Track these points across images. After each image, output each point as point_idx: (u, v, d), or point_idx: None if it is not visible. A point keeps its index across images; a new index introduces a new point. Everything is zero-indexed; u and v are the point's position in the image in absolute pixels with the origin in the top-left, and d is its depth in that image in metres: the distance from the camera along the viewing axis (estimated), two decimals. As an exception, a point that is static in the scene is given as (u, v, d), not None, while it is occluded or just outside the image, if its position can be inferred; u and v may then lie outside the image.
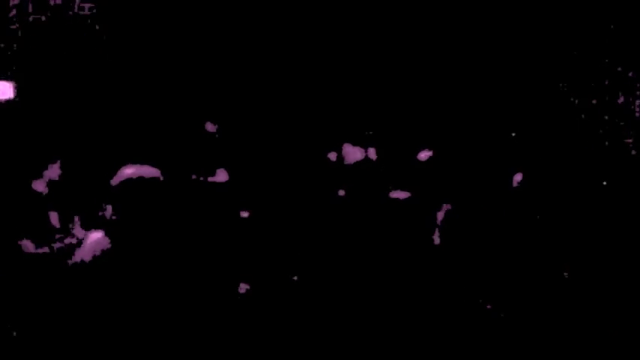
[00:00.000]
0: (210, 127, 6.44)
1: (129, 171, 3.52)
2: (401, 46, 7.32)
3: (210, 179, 6.31)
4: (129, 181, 3.46)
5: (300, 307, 5.25)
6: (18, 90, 6.31)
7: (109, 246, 3.49)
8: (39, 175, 5.50)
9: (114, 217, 3.56)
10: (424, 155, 6.29)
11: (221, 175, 6.38)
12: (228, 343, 4.67)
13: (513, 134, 6.13)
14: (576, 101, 6.15)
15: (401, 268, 5.35)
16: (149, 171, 3.53)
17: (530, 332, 4.57)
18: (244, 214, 6.05)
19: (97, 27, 6.70)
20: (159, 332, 3.61)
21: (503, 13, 6.81)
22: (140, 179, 3.49)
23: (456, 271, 4.85)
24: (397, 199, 6.11)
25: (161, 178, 3.57)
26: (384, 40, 7.38)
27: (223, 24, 7.37)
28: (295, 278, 5.43)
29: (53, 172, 5.57)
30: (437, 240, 5.04)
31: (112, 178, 3.53)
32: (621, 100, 5.96)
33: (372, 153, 6.69)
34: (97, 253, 3.49)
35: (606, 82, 6.04)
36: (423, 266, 5.28)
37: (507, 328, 4.58)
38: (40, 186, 5.48)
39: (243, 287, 5.38)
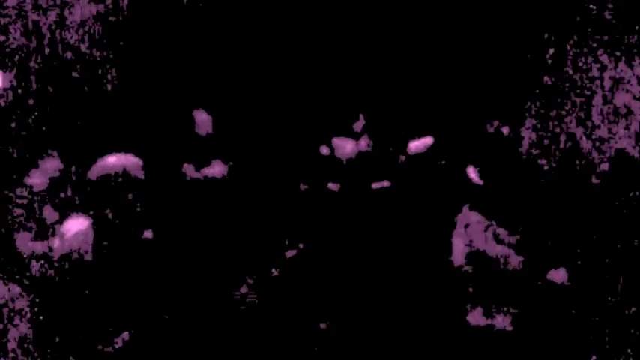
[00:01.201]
0: (202, 117, 6.45)
1: (111, 160, 3.47)
2: (390, 39, 7.32)
3: (204, 172, 6.33)
4: (110, 172, 3.42)
5: (295, 302, 5.27)
6: (8, 79, 6.31)
7: (92, 238, 3.49)
8: (34, 168, 5.51)
9: (96, 209, 3.55)
10: (414, 146, 6.30)
11: (217, 168, 6.39)
12: (223, 340, 4.70)
13: (505, 130, 6.14)
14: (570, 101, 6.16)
15: (395, 263, 5.37)
16: (131, 161, 3.47)
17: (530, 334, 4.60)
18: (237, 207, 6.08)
19: (92, 18, 6.71)
20: (150, 328, 3.63)
21: (497, 10, 6.82)
22: (122, 170, 3.45)
23: (451, 268, 4.88)
24: (389, 192, 6.14)
25: (142, 169, 3.54)
26: (372, 33, 7.37)
27: (215, 18, 7.36)
28: (290, 274, 5.46)
29: (50, 164, 5.58)
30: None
31: (91, 168, 3.53)
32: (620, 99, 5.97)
33: (363, 146, 6.70)
34: (81, 246, 3.50)
35: (603, 80, 6.04)
36: (418, 261, 5.30)
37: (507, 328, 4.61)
38: (35, 180, 5.48)
39: (239, 283, 5.41)
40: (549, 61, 6.09)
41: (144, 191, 4.02)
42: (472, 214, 4.86)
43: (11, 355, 4.20)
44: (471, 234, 4.83)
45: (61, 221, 5.34)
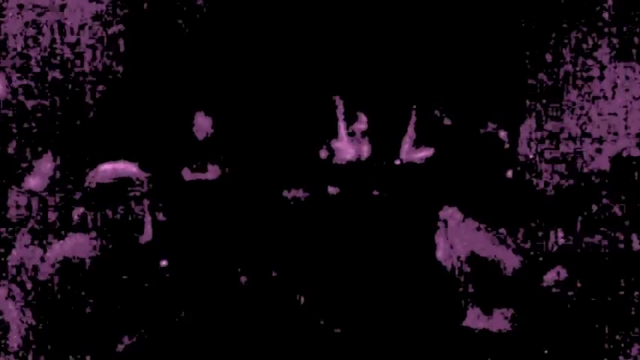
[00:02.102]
0: (203, 121, 6.44)
1: (107, 167, 3.46)
2: (391, 41, 7.32)
3: (200, 176, 6.31)
4: (106, 179, 3.40)
5: (292, 305, 5.26)
6: (8, 86, 6.32)
7: (90, 248, 3.46)
8: (32, 171, 5.50)
9: (91, 219, 3.53)
10: (416, 157, 6.29)
11: (212, 172, 6.37)
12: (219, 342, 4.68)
13: (504, 133, 6.13)
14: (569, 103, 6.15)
15: (394, 268, 5.36)
16: (127, 168, 3.46)
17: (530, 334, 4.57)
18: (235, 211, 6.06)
19: (88, 23, 6.71)
20: (150, 333, 3.61)
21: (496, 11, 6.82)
22: (119, 177, 3.43)
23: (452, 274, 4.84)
24: (389, 198, 6.12)
25: (141, 176, 3.52)
26: (374, 35, 7.37)
27: (215, 22, 7.37)
28: (287, 276, 5.45)
29: (47, 167, 5.57)
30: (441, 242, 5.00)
31: (87, 175, 3.51)
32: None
33: (364, 150, 6.68)
34: (77, 256, 3.47)
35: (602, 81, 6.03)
36: (418, 267, 5.28)
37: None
38: (33, 182, 5.47)
39: (238, 284, 5.39)
40: (549, 61, 6.08)
41: (143, 196, 4.00)
42: (470, 216, 4.85)
43: (9, 358, 4.17)
44: (470, 236, 4.81)
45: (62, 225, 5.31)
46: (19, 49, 6.39)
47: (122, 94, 6.79)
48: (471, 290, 4.66)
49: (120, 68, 6.81)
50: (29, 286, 4.36)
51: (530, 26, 6.32)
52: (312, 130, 6.85)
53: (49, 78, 6.48)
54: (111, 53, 6.77)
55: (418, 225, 5.52)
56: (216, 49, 7.24)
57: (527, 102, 6.21)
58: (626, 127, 5.74)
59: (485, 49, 6.73)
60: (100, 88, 6.71)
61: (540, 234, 4.92)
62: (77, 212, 5.14)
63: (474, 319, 4.59)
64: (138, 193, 3.60)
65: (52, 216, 5.34)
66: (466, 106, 6.62)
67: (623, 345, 4.51)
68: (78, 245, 3.62)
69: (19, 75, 6.38)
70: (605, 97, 5.87)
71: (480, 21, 6.78)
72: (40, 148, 5.70)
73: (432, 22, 7.07)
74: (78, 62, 6.56)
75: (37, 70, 6.44)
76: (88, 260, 3.57)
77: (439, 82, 6.92)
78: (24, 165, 5.67)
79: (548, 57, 6.14)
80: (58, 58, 6.49)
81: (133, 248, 3.72)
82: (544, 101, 6.12)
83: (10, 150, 6.03)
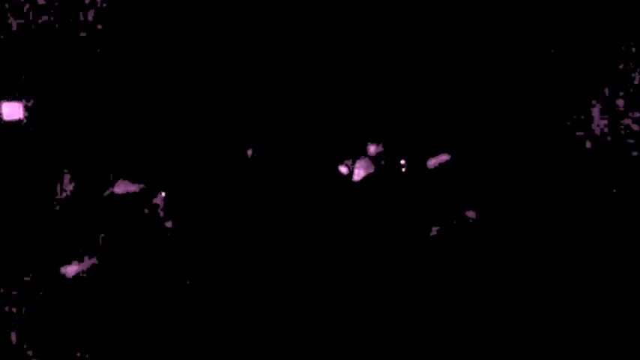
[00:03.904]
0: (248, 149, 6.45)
1: (120, 186, 3.54)
2: (408, 49, 7.36)
3: (209, 185, 6.36)
4: (118, 198, 3.48)
5: (298, 302, 5.29)
6: (27, 110, 6.42)
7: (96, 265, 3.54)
8: (52, 192, 5.60)
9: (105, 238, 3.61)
10: (432, 164, 6.31)
11: (220, 181, 6.42)
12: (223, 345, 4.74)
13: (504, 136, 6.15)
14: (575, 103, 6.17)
15: (406, 273, 5.40)
16: (137, 186, 3.54)
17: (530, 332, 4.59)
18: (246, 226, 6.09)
19: (105, 46, 6.81)
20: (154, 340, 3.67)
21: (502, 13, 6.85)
22: (128, 195, 3.51)
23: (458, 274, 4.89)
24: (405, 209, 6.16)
25: (154, 192, 3.61)
26: (391, 44, 7.42)
27: (217, 25, 7.44)
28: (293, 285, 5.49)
29: (66, 186, 5.66)
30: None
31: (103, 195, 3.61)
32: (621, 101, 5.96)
33: (380, 164, 6.70)
34: (90, 268, 3.56)
35: (607, 85, 6.05)
36: (419, 262, 5.32)
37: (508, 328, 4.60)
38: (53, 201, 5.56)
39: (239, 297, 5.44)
40: (554, 63, 6.10)
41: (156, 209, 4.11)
42: (472, 214, 4.91)
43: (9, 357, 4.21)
44: (471, 234, 4.87)
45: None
46: (36, 73, 6.50)
47: (124, 102, 6.86)
48: (471, 288, 4.71)
49: (123, 78, 6.89)
50: (36, 293, 4.43)
51: (534, 26, 6.35)
52: (331, 145, 6.88)
53: (63, 102, 6.58)
54: (113, 55, 6.85)
55: (418, 227, 5.57)
56: (225, 57, 7.31)
57: (529, 104, 6.25)
58: (626, 128, 5.76)
59: (489, 49, 6.77)
60: (102, 95, 6.78)
61: (542, 233, 4.96)
62: (90, 226, 5.24)
63: (474, 314, 4.62)
64: (151, 208, 3.70)
65: (66, 231, 5.44)
66: (472, 109, 6.66)
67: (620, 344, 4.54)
68: (91, 259, 3.73)
69: (36, 100, 6.50)
70: (604, 98, 5.90)
71: (483, 21, 6.82)
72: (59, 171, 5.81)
73: (437, 26, 7.12)
74: (81, 68, 6.65)
75: (53, 94, 6.54)
76: (99, 271, 3.68)
77: (444, 86, 6.96)
78: (38, 179, 5.78)
79: (549, 60, 6.18)
80: (72, 79, 6.59)
81: (148, 259, 3.81)
82: (545, 103, 6.15)
83: (25, 164, 6.13)
